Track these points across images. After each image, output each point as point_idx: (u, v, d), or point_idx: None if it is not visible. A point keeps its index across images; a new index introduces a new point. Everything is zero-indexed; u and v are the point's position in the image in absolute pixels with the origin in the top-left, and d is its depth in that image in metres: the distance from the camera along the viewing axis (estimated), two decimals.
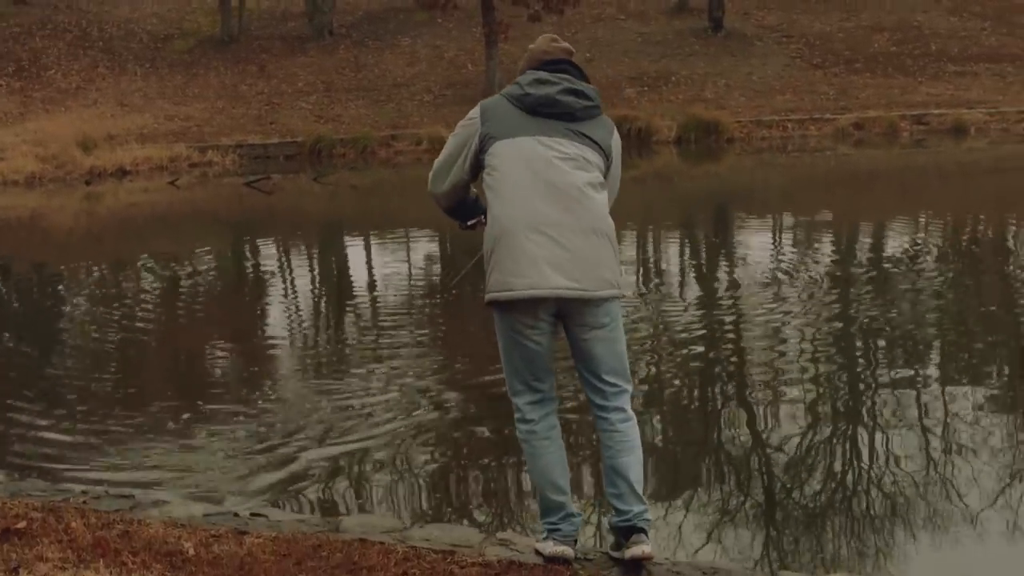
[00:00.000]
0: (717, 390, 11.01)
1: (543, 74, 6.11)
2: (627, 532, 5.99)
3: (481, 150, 6.06)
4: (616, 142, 6.16)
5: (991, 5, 42.01)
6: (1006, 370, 11.52)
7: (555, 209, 5.86)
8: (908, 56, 38.31)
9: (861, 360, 11.79)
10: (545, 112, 6.02)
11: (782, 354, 11.96)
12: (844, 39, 39.63)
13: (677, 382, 11.18)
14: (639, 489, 6.00)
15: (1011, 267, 16.54)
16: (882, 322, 13.25)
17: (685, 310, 14.36)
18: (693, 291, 15.82)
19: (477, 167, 6.12)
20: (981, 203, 23.40)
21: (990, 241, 19.35)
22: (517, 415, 6.11)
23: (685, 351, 12.29)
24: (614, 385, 6.04)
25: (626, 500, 5.99)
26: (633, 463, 6.02)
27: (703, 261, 18.09)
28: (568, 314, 5.93)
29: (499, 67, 35.65)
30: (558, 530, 6.07)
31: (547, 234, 5.84)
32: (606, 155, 6.07)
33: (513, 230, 5.87)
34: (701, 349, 12.33)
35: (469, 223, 6.49)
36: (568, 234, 5.84)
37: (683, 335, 13.00)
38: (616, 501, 6.03)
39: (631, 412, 6.07)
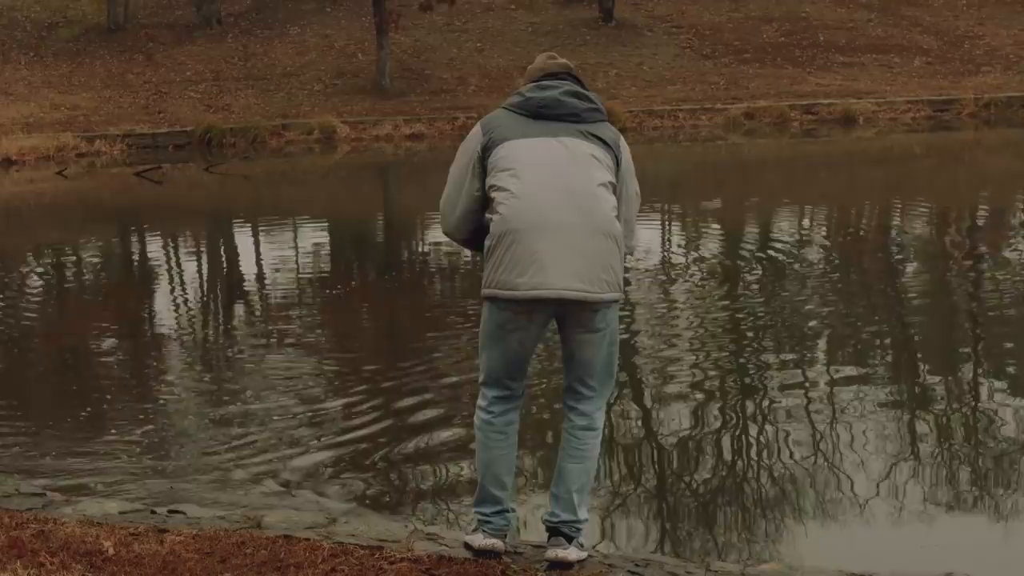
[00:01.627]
0: (620, 380, 11.00)
1: (544, 81, 6.03)
2: (551, 532, 5.99)
3: (484, 156, 5.89)
4: (624, 147, 6.03)
5: None
6: (890, 357, 11.64)
7: (568, 209, 5.75)
8: (797, 47, 38.66)
9: (749, 348, 11.84)
10: (550, 114, 5.91)
11: (672, 344, 12.01)
12: (734, 30, 39.91)
13: None
14: (577, 499, 5.96)
15: (896, 256, 16.73)
16: (769, 310, 13.35)
17: None
18: None
19: (484, 180, 5.92)
20: (868, 191, 23.66)
21: (876, 229, 19.56)
22: (480, 402, 6.05)
23: None
24: (591, 389, 5.98)
25: (560, 504, 5.99)
26: (579, 473, 5.99)
27: None
28: (564, 316, 5.86)
29: (389, 56, 35.50)
30: (489, 523, 6.03)
31: (557, 235, 5.72)
32: (615, 155, 5.94)
33: (521, 229, 5.73)
34: None
35: None
36: (579, 235, 5.74)
37: None
38: (552, 502, 6.04)
39: (598, 426, 6.01)
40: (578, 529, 5.97)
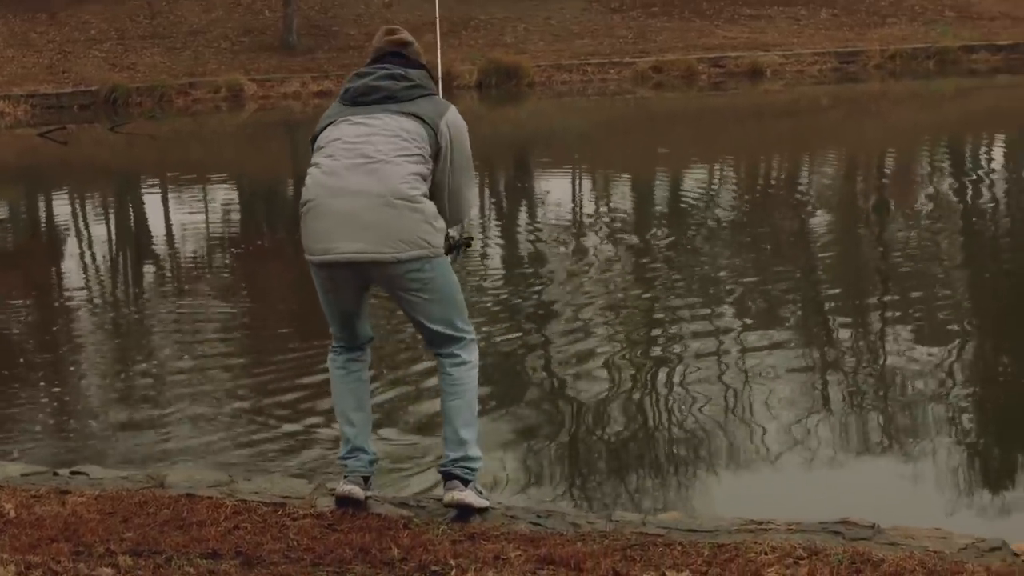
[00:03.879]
0: (531, 338, 11.04)
1: (363, 69, 6.31)
2: (445, 477, 6.08)
3: (313, 145, 6.25)
4: (451, 122, 6.13)
5: None
6: (798, 311, 11.76)
7: (359, 179, 5.96)
8: (704, 0, 38.78)
9: (659, 304, 11.92)
10: (366, 100, 6.17)
11: (582, 302, 12.07)
12: None
13: (490, 330, 11.19)
14: (464, 435, 6.06)
15: (804, 209, 16.88)
16: (678, 265, 13.45)
17: (486, 256, 14.39)
18: (493, 237, 15.86)
19: None
20: (776, 143, 23.85)
21: (784, 181, 19.73)
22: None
23: (491, 299, 12.33)
24: (440, 334, 6.12)
25: (449, 445, 6.10)
26: (460, 408, 6.08)
27: (504, 206, 18.13)
28: (372, 278, 6.09)
29: (296, 13, 35.23)
30: (346, 465, 6.19)
31: (347, 201, 5.95)
32: (433, 129, 6.07)
33: (316, 198, 6.03)
34: (505, 296, 12.39)
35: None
36: (370, 201, 5.92)
37: (490, 284, 13.03)
38: (444, 445, 6.12)
39: (467, 357, 6.15)
40: (471, 470, 6.05)
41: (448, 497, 5.98)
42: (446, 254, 6.11)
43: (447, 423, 6.09)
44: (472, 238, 6.59)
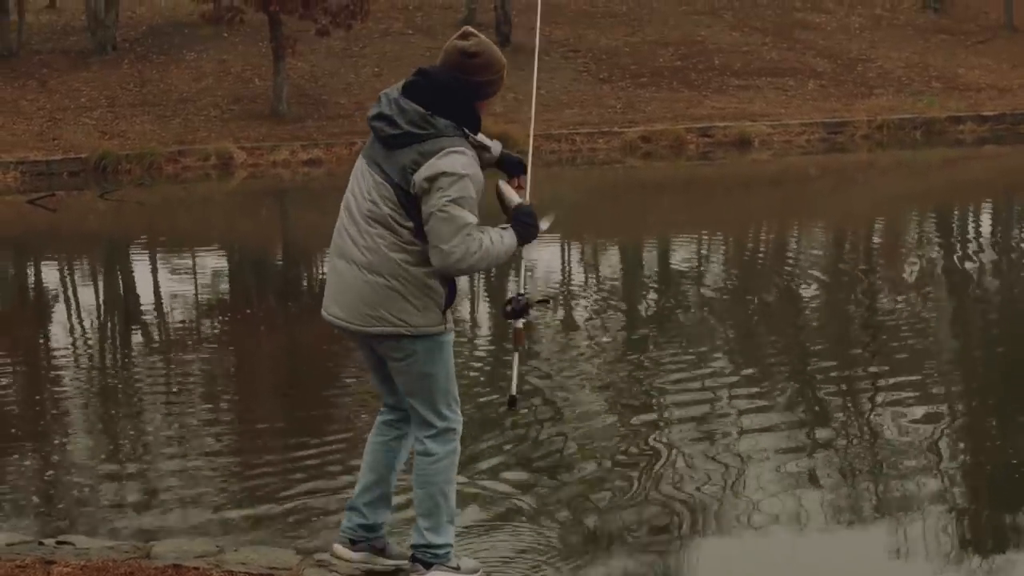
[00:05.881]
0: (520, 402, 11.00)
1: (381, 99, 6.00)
2: (410, 560, 6.21)
3: None
4: (434, 165, 5.70)
5: (771, 20, 43.03)
6: (789, 383, 11.73)
7: (350, 240, 5.90)
8: (693, 70, 38.98)
9: (647, 370, 11.90)
10: (376, 136, 5.94)
11: (570, 375, 12.05)
12: (630, 53, 40.17)
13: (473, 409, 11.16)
14: (422, 524, 6.11)
15: (793, 277, 16.89)
16: (666, 332, 13.44)
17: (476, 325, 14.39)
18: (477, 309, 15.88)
19: None
20: (762, 213, 23.90)
21: (772, 251, 19.75)
22: None
23: (478, 372, 12.30)
24: (416, 413, 6.06)
25: (414, 528, 6.20)
26: (420, 499, 6.14)
27: (492, 275, 18.13)
28: (365, 342, 6.05)
29: (287, 82, 35.34)
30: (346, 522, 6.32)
31: (341, 263, 5.94)
32: (401, 187, 5.77)
33: (330, 254, 6.07)
34: (491, 367, 12.37)
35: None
36: (352, 269, 5.88)
37: (477, 355, 13.02)
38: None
39: (435, 449, 6.04)
40: (434, 555, 6.04)
41: None
42: (510, 318, 6.03)
43: (415, 507, 6.15)
44: (546, 300, 6.48)
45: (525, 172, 6.30)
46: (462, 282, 12.44)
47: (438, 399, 5.97)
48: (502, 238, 5.93)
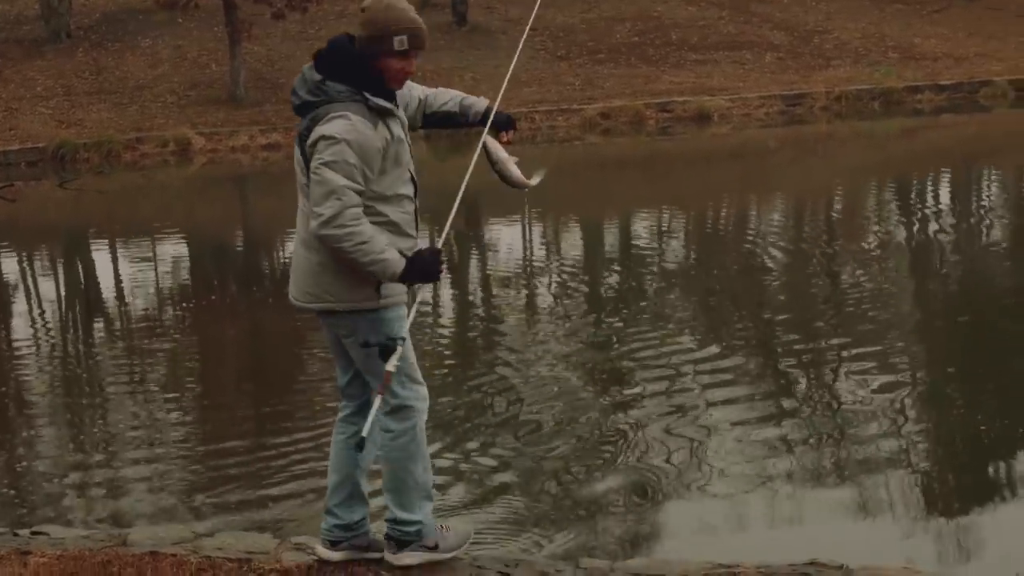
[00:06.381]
0: (494, 385, 11.03)
1: None
2: (384, 537, 6.14)
3: None
4: (317, 131, 5.67)
5: None
6: (753, 355, 11.80)
7: (300, 214, 5.92)
8: (650, 46, 38.97)
9: (615, 345, 11.96)
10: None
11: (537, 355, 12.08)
12: (587, 30, 40.12)
13: (449, 378, 11.18)
14: (389, 499, 6.04)
15: (754, 250, 16.96)
16: (630, 305, 13.49)
17: (439, 305, 14.39)
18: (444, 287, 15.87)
19: None
20: (723, 187, 23.97)
21: (734, 224, 19.83)
22: None
23: (446, 348, 12.32)
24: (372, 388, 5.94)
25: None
26: (385, 475, 6.07)
27: (454, 255, 18.12)
28: (321, 320, 6.00)
29: (243, 66, 35.17)
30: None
31: (296, 240, 5.96)
32: (305, 156, 5.76)
33: None
34: (461, 342, 12.38)
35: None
36: (298, 242, 5.90)
37: (442, 333, 13.02)
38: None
39: (393, 426, 5.91)
40: (403, 532, 5.98)
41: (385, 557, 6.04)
42: (380, 357, 5.65)
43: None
44: (392, 340, 5.71)
45: (514, 127, 6.23)
46: None
47: (381, 371, 5.77)
48: (383, 250, 5.62)
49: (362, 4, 5.83)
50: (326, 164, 5.56)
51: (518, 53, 7.07)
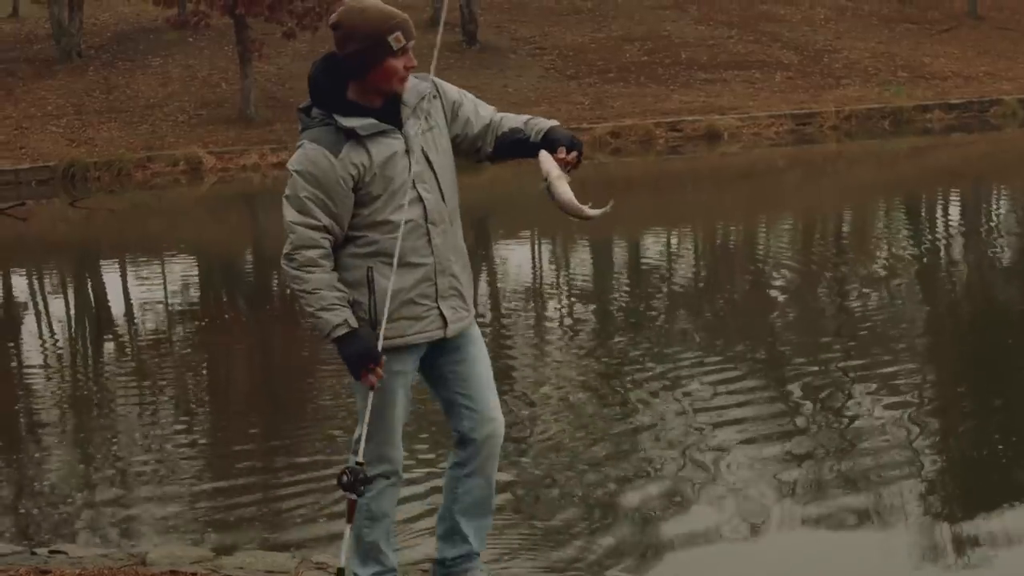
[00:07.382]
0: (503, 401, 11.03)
1: None
2: None
3: None
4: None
5: (736, 13, 43.10)
6: (761, 374, 11.79)
7: None
8: (659, 65, 39.03)
9: (624, 370, 11.96)
10: None
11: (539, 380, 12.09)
12: (596, 50, 40.20)
13: None
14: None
15: (765, 268, 16.96)
16: (639, 323, 13.49)
17: None
18: None
19: None
20: (733, 206, 23.99)
21: (744, 242, 19.83)
22: None
23: None
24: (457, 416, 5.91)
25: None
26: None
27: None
28: None
29: (254, 85, 35.27)
30: None
31: None
32: None
33: None
34: None
35: None
36: None
37: None
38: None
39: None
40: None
41: None
42: (344, 489, 5.24)
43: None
44: (357, 472, 5.25)
45: (576, 148, 5.56)
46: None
47: (357, 426, 5.48)
48: (323, 308, 5.29)
49: (331, 21, 5.42)
50: (284, 198, 5.36)
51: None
